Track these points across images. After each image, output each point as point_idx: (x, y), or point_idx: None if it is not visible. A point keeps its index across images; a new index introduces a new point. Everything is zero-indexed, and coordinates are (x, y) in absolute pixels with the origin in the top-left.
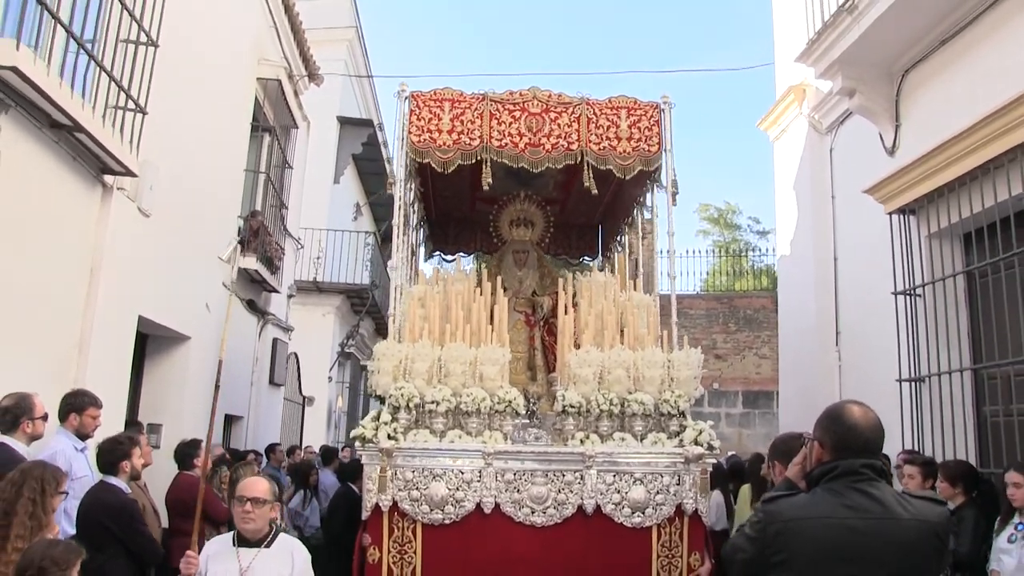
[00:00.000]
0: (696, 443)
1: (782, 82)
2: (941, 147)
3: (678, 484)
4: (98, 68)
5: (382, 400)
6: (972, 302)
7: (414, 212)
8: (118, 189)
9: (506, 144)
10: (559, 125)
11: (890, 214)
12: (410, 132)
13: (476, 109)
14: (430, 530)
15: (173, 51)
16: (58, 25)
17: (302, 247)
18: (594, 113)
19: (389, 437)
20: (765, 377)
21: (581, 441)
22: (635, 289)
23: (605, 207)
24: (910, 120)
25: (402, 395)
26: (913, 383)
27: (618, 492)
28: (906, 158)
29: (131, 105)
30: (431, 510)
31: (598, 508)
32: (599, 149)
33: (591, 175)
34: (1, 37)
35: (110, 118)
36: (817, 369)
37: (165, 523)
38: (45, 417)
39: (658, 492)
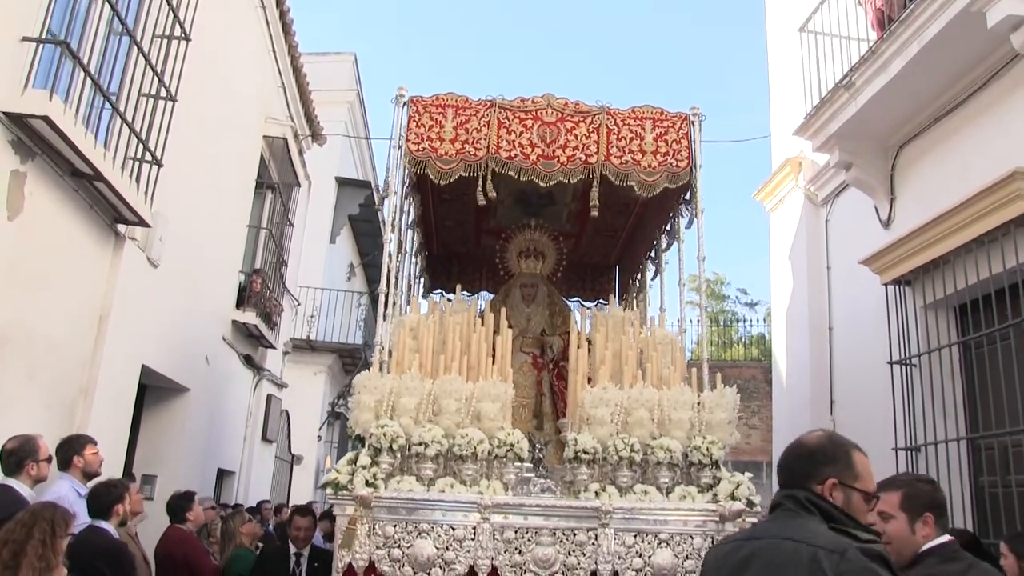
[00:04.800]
0: (733, 498)
1: (778, 154)
2: (935, 221)
3: None
4: (120, 119)
5: (362, 441)
6: (967, 372)
7: (412, 235)
8: (130, 239)
9: (516, 155)
10: (576, 136)
11: (886, 285)
12: (408, 140)
13: (483, 116)
14: None
15: (187, 107)
16: (84, 76)
17: (299, 304)
18: (615, 123)
19: (367, 484)
20: (755, 447)
21: (596, 494)
22: (658, 324)
23: (623, 244)
24: (905, 194)
25: (384, 435)
26: (909, 452)
27: (640, 556)
28: (901, 230)
29: (148, 157)
30: (415, 573)
31: (615, 575)
32: (621, 163)
33: (597, 195)
34: (33, 88)
35: (127, 169)
36: None
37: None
38: (49, 459)
39: (687, 557)
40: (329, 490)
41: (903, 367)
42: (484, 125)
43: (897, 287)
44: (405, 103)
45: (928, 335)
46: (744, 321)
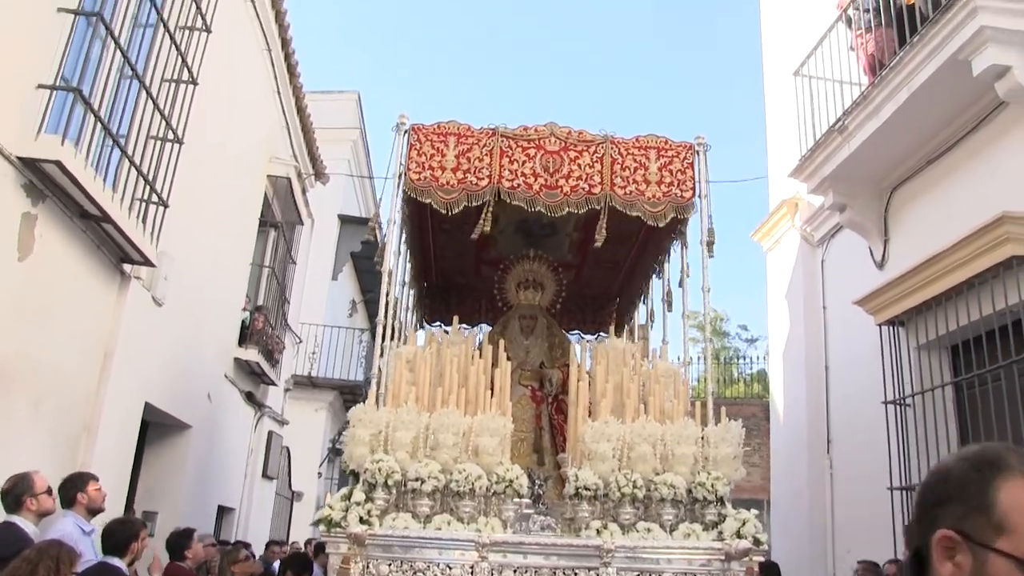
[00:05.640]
0: (739, 536)
1: (775, 195)
2: (928, 262)
3: None
4: (128, 162)
5: (356, 476)
6: (960, 412)
7: (409, 265)
8: (135, 278)
9: (519, 185)
10: (579, 165)
11: (880, 325)
12: (409, 168)
13: (485, 146)
14: None
15: (193, 148)
16: (94, 120)
17: (300, 341)
18: (619, 153)
19: (361, 521)
20: (755, 485)
21: (598, 531)
22: (660, 357)
23: (625, 275)
24: (899, 235)
25: (379, 470)
26: (904, 491)
27: None
28: (895, 271)
29: (154, 198)
30: None
31: None
32: (625, 193)
33: (604, 227)
34: (45, 133)
35: (134, 210)
36: (809, 476)
37: None
38: (49, 491)
39: None
40: (322, 527)
41: (897, 407)
42: (486, 154)
43: (891, 328)
44: (406, 131)
45: (922, 375)
46: (745, 358)
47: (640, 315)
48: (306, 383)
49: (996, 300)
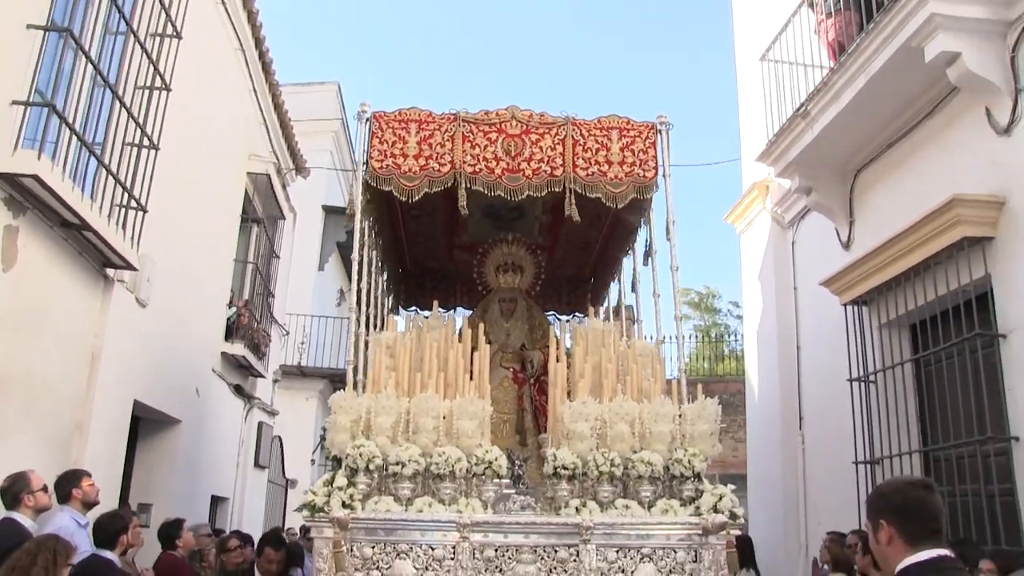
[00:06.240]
0: (716, 510)
1: (747, 178)
2: (888, 243)
3: (695, 561)
4: (105, 170)
5: (339, 462)
6: (921, 388)
7: (382, 252)
8: (118, 281)
9: (480, 170)
10: (541, 148)
11: (845, 305)
12: (372, 156)
13: (446, 131)
14: None
15: (170, 151)
16: (70, 133)
17: (287, 334)
18: (581, 135)
19: (344, 505)
20: (741, 460)
21: (577, 510)
22: (637, 336)
23: (597, 256)
24: (863, 216)
25: (361, 455)
26: (868, 465)
27: (622, 572)
28: (860, 252)
29: (133, 204)
30: None
31: None
32: (587, 174)
33: (573, 204)
34: (22, 148)
35: (114, 216)
36: (782, 452)
37: None
38: (45, 488)
39: (671, 571)
40: (305, 512)
41: (861, 384)
42: (448, 140)
43: (855, 307)
44: (368, 119)
45: (884, 353)
46: (736, 335)
47: (626, 296)
48: (296, 373)
49: (950, 280)
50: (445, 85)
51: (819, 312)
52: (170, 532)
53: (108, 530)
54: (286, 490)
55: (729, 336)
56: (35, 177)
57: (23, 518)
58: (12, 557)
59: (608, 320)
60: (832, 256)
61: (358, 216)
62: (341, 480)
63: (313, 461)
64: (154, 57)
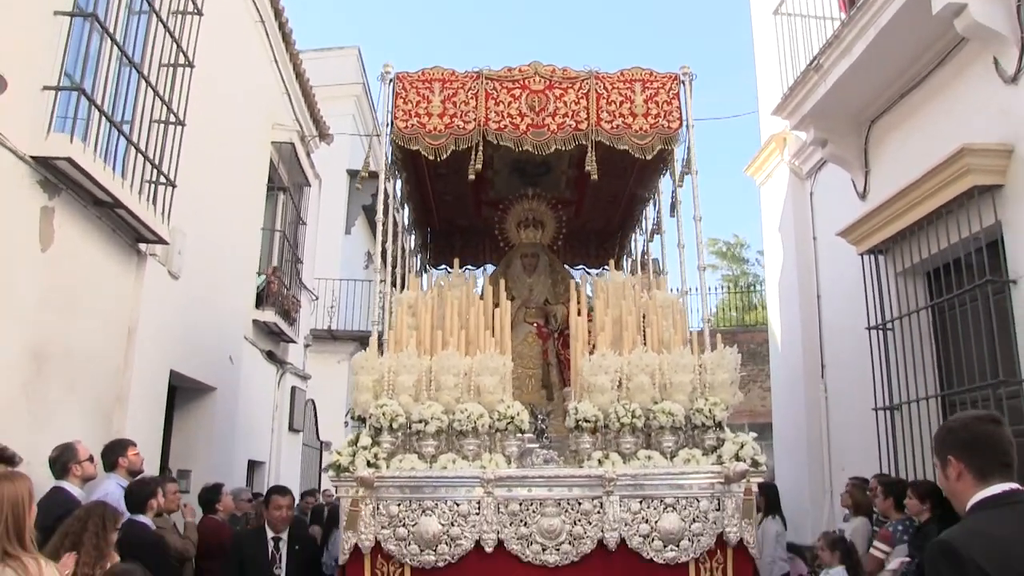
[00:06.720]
0: (738, 458)
1: (765, 130)
2: (904, 192)
3: (718, 510)
4: (134, 148)
5: (363, 422)
6: (938, 334)
7: (404, 210)
8: (151, 255)
9: (505, 126)
10: (565, 103)
11: (862, 255)
12: (396, 117)
13: (470, 89)
14: (421, 574)
15: (196, 126)
16: (99, 114)
17: (316, 299)
18: (605, 88)
19: (369, 464)
20: (770, 409)
21: (599, 462)
22: (659, 288)
23: (624, 209)
24: (878, 166)
25: (384, 414)
26: (887, 411)
27: (646, 522)
28: (876, 202)
29: (162, 180)
30: (421, 551)
31: (623, 542)
32: (612, 127)
33: (595, 161)
34: (55, 132)
35: (144, 193)
36: (806, 400)
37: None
38: (91, 458)
39: (695, 520)
40: (331, 472)
41: (879, 331)
42: (472, 97)
43: (872, 256)
44: (391, 80)
45: (900, 301)
46: (763, 284)
47: (653, 248)
48: (326, 336)
49: (962, 228)
50: (463, 43)
51: (838, 262)
52: (209, 497)
53: (137, 496)
54: (320, 453)
55: (758, 286)
56: (69, 159)
57: (71, 487)
58: (64, 524)
59: (636, 273)
60: (849, 206)
61: (382, 177)
62: (365, 440)
63: (346, 423)
64: (176, 35)
